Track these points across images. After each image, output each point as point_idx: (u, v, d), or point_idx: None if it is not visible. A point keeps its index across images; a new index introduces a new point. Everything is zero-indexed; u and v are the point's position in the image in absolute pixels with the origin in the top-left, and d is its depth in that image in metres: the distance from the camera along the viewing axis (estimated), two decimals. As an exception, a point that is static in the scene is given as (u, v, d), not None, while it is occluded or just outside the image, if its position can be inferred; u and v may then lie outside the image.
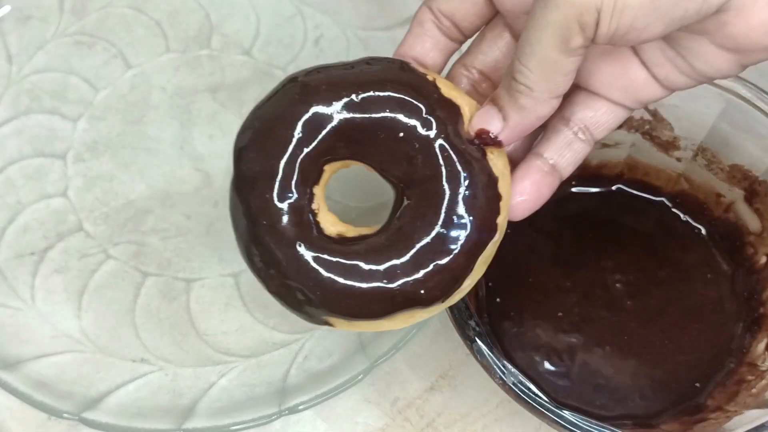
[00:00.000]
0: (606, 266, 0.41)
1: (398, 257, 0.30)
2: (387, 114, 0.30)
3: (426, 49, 0.32)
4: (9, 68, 0.49)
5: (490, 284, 0.41)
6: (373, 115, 0.30)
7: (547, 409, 0.32)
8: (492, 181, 0.30)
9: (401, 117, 0.30)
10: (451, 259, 0.30)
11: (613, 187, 0.43)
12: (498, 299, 0.40)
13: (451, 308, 0.34)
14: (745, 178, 0.39)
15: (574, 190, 0.43)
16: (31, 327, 0.43)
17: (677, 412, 0.38)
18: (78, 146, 0.48)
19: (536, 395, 0.32)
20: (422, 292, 0.30)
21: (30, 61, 0.49)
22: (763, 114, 0.37)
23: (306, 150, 0.30)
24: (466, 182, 0.29)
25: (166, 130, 0.48)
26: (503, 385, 0.32)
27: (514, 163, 0.31)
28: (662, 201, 0.43)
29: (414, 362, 0.42)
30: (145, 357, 0.42)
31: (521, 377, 0.32)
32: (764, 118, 0.37)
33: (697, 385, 0.38)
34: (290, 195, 0.30)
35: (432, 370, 0.42)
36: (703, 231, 0.42)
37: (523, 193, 0.31)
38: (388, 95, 0.30)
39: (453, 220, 0.29)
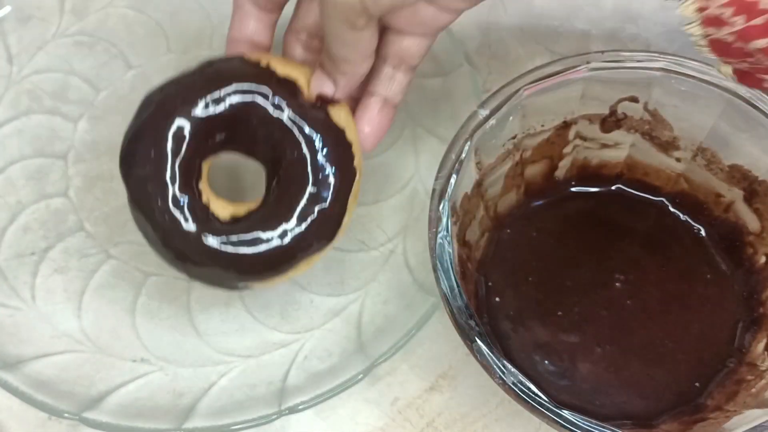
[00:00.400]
0: (606, 266, 0.41)
1: (286, 220, 0.35)
2: (237, 105, 0.35)
3: (252, 29, 0.38)
4: (9, 68, 0.49)
5: (490, 284, 0.41)
6: (226, 111, 0.35)
7: (547, 409, 0.32)
8: (340, 133, 0.36)
9: (250, 105, 0.35)
10: (327, 208, 0.36)
11: (613, 187, 0.43)
12: (498, 299, 0.40)
13: (451, 308, 0.34)
14: (744, 178, 0.39)
15: (574, 190, 0.43)
16: (31, 327, 0.43)
17: (677, 412, 0.38)
18: (78, 146, 0.48)
19: (536, 395, 0.32)
20: (312, 242, 0.36)
21: (30, 62, 0.49)
22: (763, 114, 0.37)
23: (181, 157, 0.35)
24: (320, 142, 0.35)
25: (166, 130, 0.48)
26: (503, 385, 0.32)
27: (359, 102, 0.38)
28: (662, 201, 0.43)
29: (414, 362, 0.42)
30: (145, 357, 0.42)
31: (521, 377, 0.32)
32: (764, 118, 0.37)
33: (697, 385, 0.38)
34: (182, 199, 0.35)
35: (432, 370, 0.42)
36: (703, 231, 0.42)
37: (365, 129, 0.37)
38: (233, 89, 0.35)
39: (319, 176, 0.35)
